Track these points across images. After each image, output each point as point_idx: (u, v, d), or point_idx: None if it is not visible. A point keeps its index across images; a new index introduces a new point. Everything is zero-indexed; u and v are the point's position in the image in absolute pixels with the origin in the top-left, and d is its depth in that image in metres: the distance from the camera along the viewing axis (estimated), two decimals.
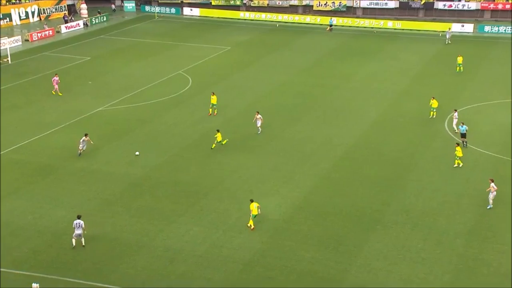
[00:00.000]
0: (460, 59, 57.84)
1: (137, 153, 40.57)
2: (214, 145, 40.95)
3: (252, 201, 31.62)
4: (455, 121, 43.42)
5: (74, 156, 40.10)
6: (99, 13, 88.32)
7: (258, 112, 44.21)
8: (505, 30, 74.72)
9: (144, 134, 44.46)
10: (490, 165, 37.98)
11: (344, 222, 32.06)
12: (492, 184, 32.58)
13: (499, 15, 79.14)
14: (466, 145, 40.54)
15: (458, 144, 37.99)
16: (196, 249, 29.78)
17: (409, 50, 67.92)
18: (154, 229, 31.48)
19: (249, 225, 31.54)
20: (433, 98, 46.23)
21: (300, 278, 27.42)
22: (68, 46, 72.20)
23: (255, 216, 31.36)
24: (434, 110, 45.87)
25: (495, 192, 32.54)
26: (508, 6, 78.44)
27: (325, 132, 44.37)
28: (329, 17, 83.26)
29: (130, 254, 29.28)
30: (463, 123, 40.85)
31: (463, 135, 40.60)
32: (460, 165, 37.54)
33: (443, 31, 74.51)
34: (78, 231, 29.46)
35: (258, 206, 31.39)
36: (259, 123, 43.82)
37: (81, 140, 40.24)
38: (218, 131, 41.09)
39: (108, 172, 38.05)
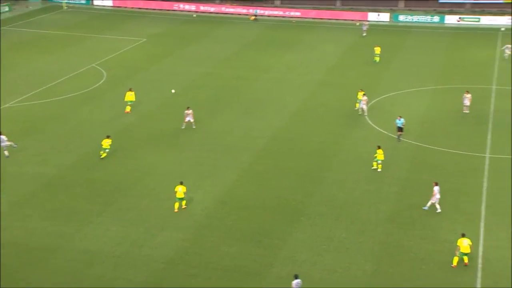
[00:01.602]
0: (377, 49, 59.69)
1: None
2: (103, 153, 38.67)
3: (181, 183, 32.30)
4: (362, 103, 44.92)
5: None
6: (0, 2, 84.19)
7: (188, 108, 43.64)
8: (418, 19, 77.84)
9: (56, 131, 42.98)
10: (409, 153, 39.47)
11: (268, 215, 32.39)
12: (435, 188, 32.20)
13: (413, 5, 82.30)
14: (399, 138, 40.63)
15: (379, 147, 37.07)
16: (115, 249, 29.17)
17: (328, 40, 69.34)
18: (70, 231, 30.55)
19: (176, 210, 32.22)
20: (361, 90, 46.76)
21: (224, 274, 27.48)
22: None
23: (181, 199, 32.04)
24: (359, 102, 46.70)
25: (438, 196, 32.06)
26: None
27: (246, 124, 44.58)
28: (248, 7, 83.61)
29: (44, 259, 28.27)
30: (400, 117, 41.06)
31: (400, 129, 40.67)
32: (379, 170, 36.64)
33: (360, 21, 76.62)
34: None
35: (184, 192, 32.06)
36: (189, 119, 43.11)
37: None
38: (108, 137, 38.98)
39: (18, 173, 36.54)
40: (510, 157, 38.39)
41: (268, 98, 50.31)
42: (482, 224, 31.03)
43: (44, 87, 51.92)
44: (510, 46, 59.58)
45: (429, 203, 32.45)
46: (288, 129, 43.81)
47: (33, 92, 50.75)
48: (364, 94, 45.61)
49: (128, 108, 46.51)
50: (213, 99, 49.89)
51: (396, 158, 38.63)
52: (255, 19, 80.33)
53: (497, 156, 38.55)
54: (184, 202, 32.74)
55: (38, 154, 39.32)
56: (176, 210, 32.41)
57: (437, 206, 32.30)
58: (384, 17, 79.31)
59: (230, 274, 27.48)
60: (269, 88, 52.76)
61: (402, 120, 40.74)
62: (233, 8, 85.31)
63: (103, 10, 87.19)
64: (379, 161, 36.76)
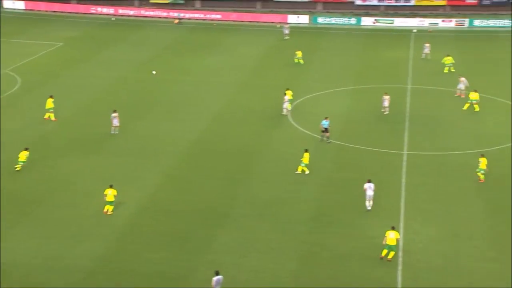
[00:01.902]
0: (299, 53, 60.29)
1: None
2: (18, 166, 36.86)
3: (111, 186, 32.15)
4: (285, 104, 45.73)
5: None
6: None
7: (115, 111, 42.77)
8: (336, 21, 79.72)
9: None
10: (331, 152, 40.20)
11: (192, 219, 32.13)
12: (365, 185, 32.60)
13: (330, 7, 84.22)
14: (328, 140, 40.96)
15: (306, 150, 37.11)
16: (32, 262, 28.04)
17: (249, 43, 69.73)
18: None
19: (106, 210, 32.05)
20: (288, 89, 47.38)
21: (148, 281, 26.99)
22: None
23: (111, 202, 31.93)
24: (289, 102, 46.93)
25: (368, 193, 32.58)
26: None
27: (168, 128, 44.10)
28: (168, 10, 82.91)
29: None
30: (326, 118, 41.42)
31: (325, 130, 40.99)
32: (306, 172, 36.69)
33: (281, 24, 77.62)
34: None
35: (115, 195, 31.99)
36: (116, 123, 42.36)
37: None
38: (26, 149, 37.45)
39: None
40: (426, 153, 39.92)
41: (190, 101, 49.99)
42: (402, 219, 32.04)
43: None
44: (428, 45, 62.04)
45: (370, 203, 32.66)
46: (211, 132, 43.67)
47: None
48: (285, 94, 46.31)
49: (50, 115, 44.78)
50: (134, 103, 49.03)
51: (318, 158, 39.22)
52: (179, 22, 79.70)
53: (413, 152, 39.98)
54: (111, 208, 32.06)
55: None
56: (106, 212, 32.09)
57: (370, 202, 32.61)
58: (304, 19, 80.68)
59: (154, 280, 27.01)
60: (191, 91, 52.45)
61: (328, 121, 41.13)
62: (153, 11, 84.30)
63: (14, 13, 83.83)
64: (303, 164, 36.76)
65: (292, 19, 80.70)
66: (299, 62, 59.93)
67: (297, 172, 36.98)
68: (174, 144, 41.34)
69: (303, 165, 36.85)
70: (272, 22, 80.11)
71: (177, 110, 47.82)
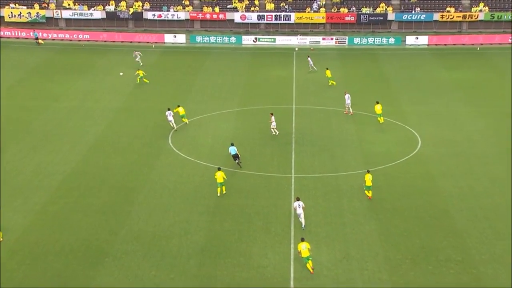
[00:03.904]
0: (141, 73, 60.81)
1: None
2: None
3: None
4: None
5: None
6: None
7: None
8: (216, 40, 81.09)
9: None
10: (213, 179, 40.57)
11: (68, 259, 31.11)
12: (294, 204, 34.29)
13: (208, 25, 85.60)
14: (240, 165, 41.70)
15: (219, 169, 38.27)
16: None
17: (122, 64, 68.99)
18: None
19: None
20: (179, 105, 49.94)
21: None
22: None
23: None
24: (185, 117, 49.43)
25: (298, 211, 34.10)
26: (215, 16, 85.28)
27: (37, 160, 42.52)
28: (29, 30, 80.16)
29: None
30: (232, 144, 42.24)
31: (235, 157, 41.54)
32: (224, 193, 38.10)
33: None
34: None
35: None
36: None
37: None
38: None
39: None
40: (315, 175, 41.41)
41: (62, 129, 48.59)
42: (292, 245, 32.93)
43: None
44: (310, 58, 65.33)
45: (302, 221, 34.15)
46: (87, 162, 42.64)
47: None
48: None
49: None
50: None
51: (205, 185, 39.52)
52: (38, 42, 77.31)
53: (302, 175, 41.34)
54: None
55: None
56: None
57: (302, 221, 34.17)
58: (181, 38, 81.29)
59: None
60: (62, 118, 50.96)
61: (234, 147, 41.87)
62: (10, 31, 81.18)
63: None
64: (219, 184, 37.94)
65: (169, 38, 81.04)
66: (142, 81, 60.64)
67: (218, 195, 37.90)
68: (45, 178, 39.91)
69: (219, 185, 37.96)
70: (148, 42, 79.94)
71: (48, 140, 46.27)
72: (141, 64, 66.74)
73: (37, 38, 78.10)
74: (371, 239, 33.47)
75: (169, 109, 48.87)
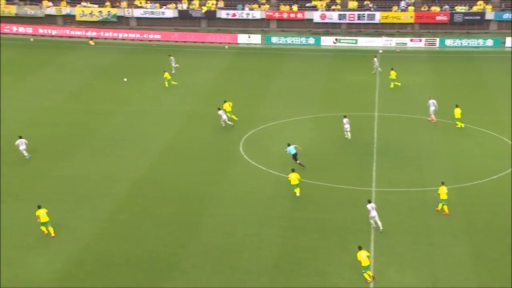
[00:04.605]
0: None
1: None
2: None
3: (39, 207, 34.48)
4: (224, 116, 49.86)
5: None
6: None
7: (21, 136, 44.62)
8: (292, 41, 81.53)
9: None
10: (291, 189, 40.72)
11: (135, 271, 32.10)
12: (369, 206, 35.49)
13: (284, 25, 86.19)
14: (302, 164, 43.11)
15: (293, 170, 39.70)
16: None
17: (195, 66, 70.55)
18: None
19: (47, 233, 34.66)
20: (226, 101, 52.13)
21: None
22: None
23: (47, 222, 34.44)
24: (231, 113, 51.58)
25: (372, 214, 35.45)
26: (293, 15, 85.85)
27: (105, 166, 44.09)
28: (98, 29, 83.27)
29: None
30: (289, 144, 43.68)
31: (295, 156, 43.16)
32: (297, 194, 39.52)
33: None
34: None
35: (47, 212, 34.37)
36: (23, 149, 44.26)
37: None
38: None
39: None
40: (397, 189, 41.02)
41: (130, 134, 50.19)
42: (372, 265, 32.76)
43: None
44: (376, 59, 65.79)
45: (379, 223, 35.28)
46: (155, 170, 43.88)
47: None
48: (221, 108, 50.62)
49: None
50: (63, 138, 48.90)
51: (277, 196, 39.93)
52: (92, 43, 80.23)
53: (383, 189, 41.06)
54: (51, 229, 34.62)
55: None
56: (47, 233, 34.59)
57: (379, 223, 35.22)
58: (256, 39, 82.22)
59: None
60: (131, 123, 52.63)
61: (292, 146, 43.39)
62: (80, 30, 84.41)
63: None
64: (295, 186, 39.49)
65: (243, 39, 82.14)
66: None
67: (297, 194, 39.32)
68: (113, 185, 41.33)
69: (295, 186, 39.30)
70: (220, 43, 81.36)
71: (116, 146, 47.87)
72: (175, 66, 67.11)
73: (91, 38, 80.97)
74: (462, 263, 32.81)
75: (219, 109, 51.06)
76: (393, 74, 61.71)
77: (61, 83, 62.76)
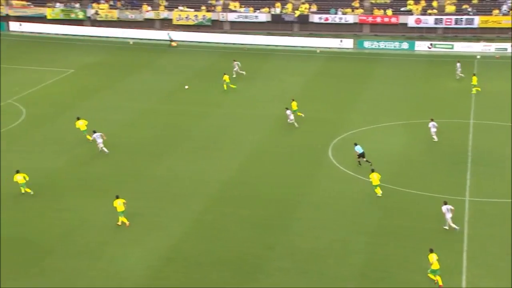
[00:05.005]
0: (226, 78, 62.01)
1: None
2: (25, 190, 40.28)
3: (117, 197, 35.97)
4: (291, 116, 51.70)
5: None
6: None
7: (95, 131, 47.02)
8: (386, 46, 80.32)
9: None
10: (381, 196, 40.26)
11: (222, 272, 32.44)
12: (443, 208, 35.66)
13: (378, 29, 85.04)
14: (369, 162, 43.46)
15: (373, 171, 40.05)
16: None
17: (286, 70, 70.71)
18: None
19: (119, 223, 36.04)
20: (293, 100, 53.50)
21: None
22: None
23: (122, 212, 35.83)
24: (298, 111, 52.84)
25: (447, 215, 35.51)
26: (386, 20, 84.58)
27: (195, 167, 44.80)
28: (193, 32, 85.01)
29: None
30: (356, 143, 44.24)
31: (362, 155, 43.89)
32: (379, 194, 39.81)
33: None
34: None
35: (124, 202, 35.94)
36: (100, 143, 46.57)
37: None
38: (18, 172, 40.48)
39: None
40: (493, 200, 39.64)
41: (222, 136, 50.79)
42: (464, 276, 31.80)
43: None
44: (459, 64, 64.74)
45: (448, 225, 35.49)
46: (245, 172, 44.24)
47: None
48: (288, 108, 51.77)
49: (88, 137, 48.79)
50: (157, 138, 50.04)
51: (366, 203, 39.40)
52: (174, 44, 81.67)
53: (478, 199, 39.76)
54: (125, 219, 36.16)
55: None
56: (120, 223, 36.29)
57: (452, 225, 35.33)
58: (348, 43, 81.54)
59: None
60: (223, 125, 53.26)
61: (359, 145, 44.18)
62: (179, 33, 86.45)
63: (22, 36, 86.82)
64: (374, 186, 39.99)
65: (334, 43, 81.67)
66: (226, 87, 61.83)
67: (378, 194, 39.76)
68: (203, 186, 41.94)
69: (375, 187, 39.75)
70: (312, 47, 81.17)
71: (207, 147, 48.52)
72: (240, 71, 66.74)
73: (171, 40, 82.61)
74: None
75: (287, 108, 52.20)
76: (474, 80, 60.56)
77: (157, 85, 64.15)
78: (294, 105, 53.03)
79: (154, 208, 38.92)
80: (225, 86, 62.33)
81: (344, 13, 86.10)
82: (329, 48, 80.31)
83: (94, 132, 46.83)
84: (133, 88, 63.74)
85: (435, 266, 30.58)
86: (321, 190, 41.42)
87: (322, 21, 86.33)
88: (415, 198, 40.03)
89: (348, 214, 38.24)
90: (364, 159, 43.75)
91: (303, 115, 52.76)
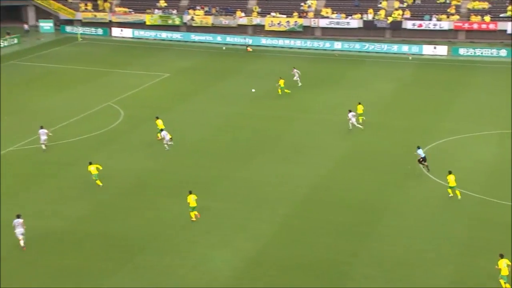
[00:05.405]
0: (281, 82, 61.51)
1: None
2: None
3: (190, 192, 37.24)
4: (353, 119, 51.48)
5: None
6: (8, 34, 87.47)
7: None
8: (482, 53, 77.94)
9: (66, 179, 43.99)
10: (472, 207, 39.11)
11: (307, 277, 32.37)
12: None
13: (474, 36, 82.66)
14: (428, 167, 43.62)
15: (450, 172, 39.90)
16: None
17: (377, 76, 69.92)
18: None
19: (194, 218, 37.44)
20: (359, 103, 53.86)
21: None
22: None
23: (194, 208, 37.10)
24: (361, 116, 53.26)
25: None
26: (484, 26, 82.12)
27: (284, 171, 44.96)
28: (287, 38, 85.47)
29: None
30: (419, 147, 44.12)
31: (424, 159, 43.62)
32: (450, 195, 39.91)
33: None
34: None
35: (195, 199, 37.12)
36: (166, 136, 48.25)
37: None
38: (90, 163, 42.56)
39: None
40: None
41: (310, 141, 50.75)
42: None
43: (54, 128, 53.19)
44: None
45: None
46: (332, 178, 44.05)
47: None
48: (350, 111, 52.28)
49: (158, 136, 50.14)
50: (247, 142, 50.61)
51: (456, 213, 38.39)
52: (250, 49, 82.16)
53: None
54: (193, 214, 37.39)
55: (47, 203, 40.23)
56: (193, 219, 37.52)
57: None
58: (441, 50, 79.76)
59: None
60: (311, 131, 53.22)
61: (421, 149, 44.05)
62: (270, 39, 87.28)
63: (122, 41, 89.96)
64: (451, 188, 39.82)
65: (428, 50, 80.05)
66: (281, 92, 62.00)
67: (450, 195, 39.87)
68: (290, 190, 42.01)
69: (450, 188, 39.86)
70: (404, 54, 79.89)
71: (296, 152, 48.58)
72: (300, 84, 65.72)
73: (248, 45, 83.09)
74: None
75: (350, 111, 52.24)
76: None
77: (247, 90, 64.67)
78: (359, 108, 53.24)
79: (242, 210, 39.31)
80: (279, 90, 62.69)
81: (438, 20, 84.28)
82: (422, 55, 78.81)
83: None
84: (224, 92, 64.70)
85: (504, 272, 30.07)
86: (411, 199, 40.65)
87: (416, 27, 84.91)
88: (507, 210, 38.57)
89: (439, 224, 37.29)
90: (426, 164, 43.44)
91: (364, 118, 53.17)
